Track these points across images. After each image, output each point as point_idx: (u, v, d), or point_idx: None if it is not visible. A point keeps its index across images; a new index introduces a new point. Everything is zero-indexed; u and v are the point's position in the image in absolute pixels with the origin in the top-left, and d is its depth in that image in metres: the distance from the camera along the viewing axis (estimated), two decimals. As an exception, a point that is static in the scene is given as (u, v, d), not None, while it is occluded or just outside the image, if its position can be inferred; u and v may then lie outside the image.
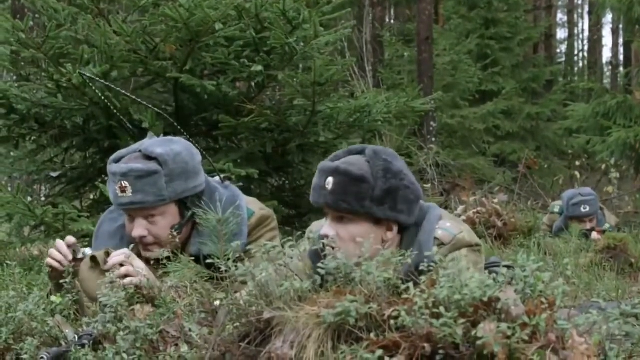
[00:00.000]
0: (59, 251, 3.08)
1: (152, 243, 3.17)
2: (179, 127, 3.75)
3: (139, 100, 4.30)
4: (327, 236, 2.79)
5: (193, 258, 2.98)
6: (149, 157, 3.15)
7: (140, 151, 3.20)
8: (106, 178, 5.47)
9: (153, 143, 3.23)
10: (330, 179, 2.80)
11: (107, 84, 4.51)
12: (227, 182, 3.48)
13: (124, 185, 3.09)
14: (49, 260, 3.10)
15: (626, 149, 11.75)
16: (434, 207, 2.97)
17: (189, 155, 3.24)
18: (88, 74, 4.13)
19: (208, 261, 2.53)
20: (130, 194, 3.09)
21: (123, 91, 4.58)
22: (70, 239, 3.13)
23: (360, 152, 2.92)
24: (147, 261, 3.13)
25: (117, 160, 3.20)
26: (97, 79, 4.47)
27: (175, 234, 3.14)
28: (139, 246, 3.19)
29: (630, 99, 12.04)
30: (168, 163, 3.13)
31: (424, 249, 2.68)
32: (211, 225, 2.83)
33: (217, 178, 3.50)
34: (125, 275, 2.90)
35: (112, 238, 3.32)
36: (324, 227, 2.87)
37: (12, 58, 5.46)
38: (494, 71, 17.52)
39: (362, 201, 2.79)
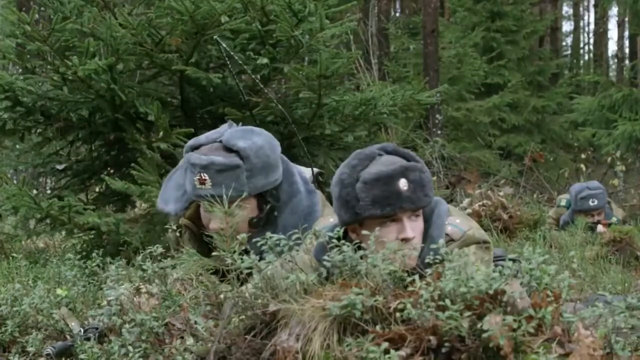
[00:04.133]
0: None
1: (229, 235, 3.14)
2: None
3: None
4: (410, 239, 2.72)
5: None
6: (229, 150, 3.10)
7: (220, 142, 3.14)
8: (112, 171, 5.51)
9: (234, 134, 3.16)
10: (403, 180, 2.70)
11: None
12: (312, 186, 3.38)
13: (203, 177, 3.05)
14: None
15: (632, 142, 11.76)
16: (441, 202, 2.95)
17: (270, 148, 3.18)
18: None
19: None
20: (210, 187, 3.04)
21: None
22: None
23: (379, 155, 2.85)
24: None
25: (195, 148, 3.15)
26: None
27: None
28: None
29: (635, 92, 12.05)
30: (250, 158, 3.07)
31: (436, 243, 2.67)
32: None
33: (305, 175, 3.43)
34: None
35: (178, 189, 3.31)
36: (404, 230, 2.73)
37: (17, 51, 5.45)
38: (499, 64, 17.46)
39: (432, 190, 2.82)
